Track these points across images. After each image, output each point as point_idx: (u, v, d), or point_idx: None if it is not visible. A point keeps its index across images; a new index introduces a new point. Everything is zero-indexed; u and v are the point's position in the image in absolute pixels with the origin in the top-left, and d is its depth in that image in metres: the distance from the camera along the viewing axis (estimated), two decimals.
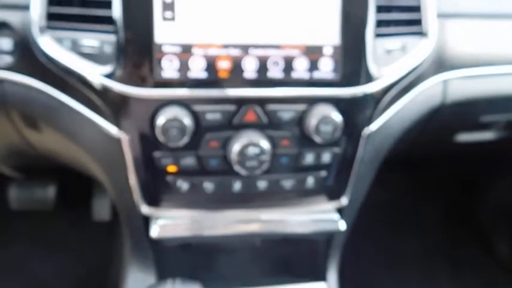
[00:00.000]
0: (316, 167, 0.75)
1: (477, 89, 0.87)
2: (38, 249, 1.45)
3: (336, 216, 0.83)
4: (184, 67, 0.67)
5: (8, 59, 0.69)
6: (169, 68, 0.66)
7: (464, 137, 1.06)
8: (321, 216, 0.83)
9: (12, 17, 0.68)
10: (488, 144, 1.12)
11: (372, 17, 0.70)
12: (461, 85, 0.84)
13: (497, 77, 0.87)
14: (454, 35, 0.82)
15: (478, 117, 0.98)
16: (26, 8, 0.67)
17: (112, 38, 0.66)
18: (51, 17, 0.67)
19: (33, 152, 0.90)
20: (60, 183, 1.46)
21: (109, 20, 0.66)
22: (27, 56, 0.69)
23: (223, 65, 0.67)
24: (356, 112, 0.73)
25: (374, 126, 0.76)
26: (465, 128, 1.04)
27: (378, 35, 0.72)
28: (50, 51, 0.67)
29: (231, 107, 0.69)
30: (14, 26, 0.68)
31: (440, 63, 0.81)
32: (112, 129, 0.70)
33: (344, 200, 0.81)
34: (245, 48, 0.68)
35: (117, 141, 0.70)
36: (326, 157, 0.74)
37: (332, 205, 0.82)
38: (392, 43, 0.73)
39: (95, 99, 0.69)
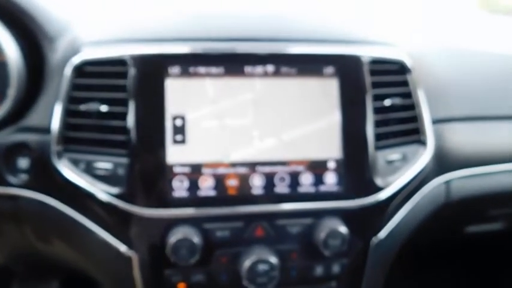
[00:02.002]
0: (326, 278, 0.75)
1: (480, 187, 0.88)
2: None
3: None
4: (194, 186, 0.69)
5: (24, 177, 0.72)
6: (179, 188, 0.69)
7: (473, 228, 1.06)
8: None
9: (31, 138, 0.72)
10: (501, 235, 1.12)
11: (370, 131, 0.74)
12: (463, 184, 0.86)
13: (499, 174, 0.89)
14: (451, 138, 0.84)
15: (485, 211, 0.98)
16: (45, 131, 0.72)
17: (125, 160, 0.69)
18: (68, 140, 0.71)
19: (39, 256, 0.90)
20: (63, 279, 1.43)
21: (123, 144, 0.69)
22: (43, 175, 0.71)
23: (232, 183, 0.70)
24: (363, 222, 0.74)
25: (382, 234, 0.76)
26: (473, 221, 1.04)
27: (378, 148, 0.75)
28: (66, 173, 0.69)
29: (240, 224, 0.70)
30: (32, 147, 0.72)
31: (441, 166, 0.83)
32: (122, 247, 0.70)
33: None
34: (252, 166, 0.70)
35: (127, 260, 0.71)
36: (335, 268, 0.74)
37: None
38: (393, 154, 0.76)
39: (107, 219, 0.70)
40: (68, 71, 0.71)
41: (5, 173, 0.72)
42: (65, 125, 0.71)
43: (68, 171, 0.69)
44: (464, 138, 0.86)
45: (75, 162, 0.70)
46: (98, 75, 0.71)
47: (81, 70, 0.71)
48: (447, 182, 0.85)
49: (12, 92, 0.72)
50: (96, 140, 0.70)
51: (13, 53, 0.72)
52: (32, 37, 0.75)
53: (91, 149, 0.70)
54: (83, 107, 0.70)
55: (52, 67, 0.74)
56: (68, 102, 0.71)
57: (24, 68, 0.74)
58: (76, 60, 0.71)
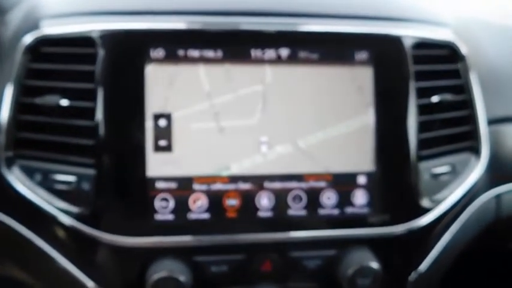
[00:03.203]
0: None
1: None
2: None
3: None
4: (182, 207, 0.54)
5: None
6: (163, 209, 0.54)
7: None
8: None
9: None
10: None
11: (413, 136, 0.58)
12: None
13: None
14: (507, 143, 0.69)
15: None
16: None
17: (91, 172, 0.54)
18: (20, 143, 0.55)
19: None
20: None
21: (89, 151, 0.54)
22: None
23: (232, 203, 0.55)
24: (400, 255, 0.59)
25: (422, 267, 0.61)
26: None
27: (422, 158, 0.59)
28: (18, 186, 0.54)
29: (242, 256, 0.56)
30: None
31: (494, 177, 0.67)
32: (89, 283, 0.55)
33: None
34: (259, 181, 0.55)
35: None
36: None
37: None
38: (440, 165, 0.60)
39: (71, 246, 0.55)
40: (20, 52, 0.55)
41: None
42: (17, 123, 0.55)
43: (19, 184, 0.54)
44: None
45: (29, 172, 0.55)
46: (58, 59, 0.55)
47: (36, 51, 0.55)
48: (498, 196, 0.69)
49: None
50: (56, 143, 0.55)
51: None
52: None
53: (49, 155, 0.55)
54: (38, 100, 0.54)
55: (5, 46, 0.58)
56: (20, 93, 0.55)
57: None
58: (29, 38, 0.55)
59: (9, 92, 0.55)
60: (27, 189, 0.54)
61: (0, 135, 0.55)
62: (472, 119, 0.63)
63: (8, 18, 0.59)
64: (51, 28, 0.55)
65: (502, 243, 0.90)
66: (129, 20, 0.55)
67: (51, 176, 0.55)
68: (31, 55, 0.55)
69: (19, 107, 0.55)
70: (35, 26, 0.56)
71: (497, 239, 0.87)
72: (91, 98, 0.54)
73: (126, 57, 0.54)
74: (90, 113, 0.54)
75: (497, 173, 0.67)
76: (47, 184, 0.55)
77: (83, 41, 0.55)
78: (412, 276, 0.60)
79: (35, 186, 0.54)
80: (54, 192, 0.54)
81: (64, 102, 0.54)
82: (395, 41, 0.58)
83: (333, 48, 0.57)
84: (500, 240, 0.89)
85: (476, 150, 0.63)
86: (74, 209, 0.54)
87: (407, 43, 0.59)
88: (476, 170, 0.63)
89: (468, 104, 0.63)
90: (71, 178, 0.54)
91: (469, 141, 0.63)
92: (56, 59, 0.55)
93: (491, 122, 0.67)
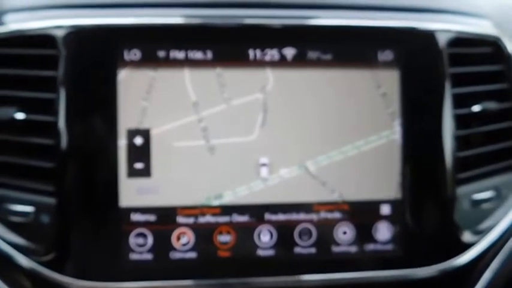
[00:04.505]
0: None
1: None
2: None
3: None
4: (163, 245, 0.46)
5: None
6: (140, 248, 0.45)
7: None
8: None
9: None
10: None
11: (449, 155, 0.48)
12: None
13: None
14: None
15: None
16: None
17: (52, 201, 0.45)
18: None
19: None
20: None
21: (49, 175, 0.45)
22: None
23: (224, 240, 0.46)
24: None
25: None
26: None
27: (460, 181, 0.49)
28: None
29: None
30: None
31: None
32: None
33: None
34: (258, 212, 0.47)
35: None
36: None
37: None
38: (482, 191, 0.50)
39: None
40: None
41: None
42: None
43: None
44: None
45: None
46: (13, 62, 0.46)
47: None
48: None
49: None
50: (10, 166, 0.46)
51: None
52: None
53: (2, 180, 0.46)
54: None
55: None
56: None
57: None
58: None
59: None
60: None
61: None
62: None
63: None
64: (5, 26, 0.46)
65: None
66: (98, 14, 0.46)
67: (5, 205, 0.46)
68: None
69: None
70: None
71: None
72: (52, 111, 0.45)
73: (94, 59, 0.45)
74: (51, 128, 0.45)
75: None
76: (0, 215, 0.46)
77: (43, 40, 0.45)
78: None
79: None
80: (8, 226, 0.46)
81: (19, 115, 0.45)
82: (426, 37, 0.49)
83: (349, 47, 0.47)
84: None
85: None
86: (32, 246, 0.45)
87: (442, 39, 0.49)
88: None
89: None
90: (28, 208, 0.46)
91: None
92: (10, 63, 0.46)
93: None
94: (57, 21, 0.46)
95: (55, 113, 0.45)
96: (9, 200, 0.46)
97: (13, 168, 0.47)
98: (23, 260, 0.45)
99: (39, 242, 0.45)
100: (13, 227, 0.46)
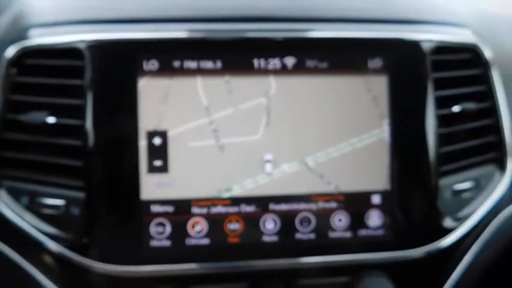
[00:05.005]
0: None
1: None
2: None
3: None
4: (179, 233, 0.50)
5: None
6: (159, 235, 0.50)
7: None
8: None
9: None
10: None
11: (433, 150, 0.53)
12: None
13: None
14: None
15: None
16: None
17: (81, 195, 0.50)
18: (5, 163, 0.51)
19: None
20: None
21: (78, 172, 0.50)
22: None
23: (234, 227, 0.51)
24: (419, 280, 0.54)
25: None
26: None
27: (443, 173, 0.54)
28: (3, 209, 0.50)
29: (245, 285, 0.51)
30: None
31: None
32: None
33: None
34: (263, 203, 0.51)
35: None
36: None
37: None
38: (462, 181, 0.55)
39: (60, 274, 0.51)
40: (4, 64, 0.51)
41: None
42: (1, 142, 0.51)
43: (5, 207, 0.50)
44: None
45: (15, 195, 0.51)
46: (44, 72, 0.51)
47: (21, 64, 0.51)
48: None
49: None
50: (43, 164, 0.51)
51: None
52: None
53: (36, 176, 0.51)
54: (24, 117, 0.50)
55: None
56: (4, 109, 0.51)
57: None
58: (13, 50, 0.50)
59: None
60: (14, 214, 0.50)
61: None
62: (496, 128, 0.58)
63: None
64: (36, 39, 0.51)
65: None
66: (119, 29, 0.50)
67: (38, 199, 0.51)
68: (15, 68, 0.51)
69: (4, 123, 0.51)
70: (19, 37, 0.52)
71: None
72: (79, 115, 0.50)
73: (116, 69, 0.50)
74: (79, 131, 0.50)
75: None
76: (34, 208, 0.51)
77: (70, 52, 0.50)
78: None
79: (21, 210, 0.50)
80: (41, 217, 0.50)
81: (51, 119, 0.50)
82: (412, 46, 0.53)
83: (343, 56, 0.52)
84: None
85: (501, 163, 0.58)
86: (62, 235, 0.50)
87: (426, 48, 0.54)
88: (502, 184, 0.58)
89: (492, 112, 0.58)
90: (59, 202, 0.50)
91: (493, 153, 0.58)
92: (42, 72, 0.51)
93: None
94: (83, 36, 0.50)
95: (82, 117, 0.50)
96: (43, 195, 0.50)
97: (45, 166, 0.51)
98: (54, 247, 0.50)
99: (69, 231, 0.50)
100: (46, 219, 0.50)
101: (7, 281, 0.56)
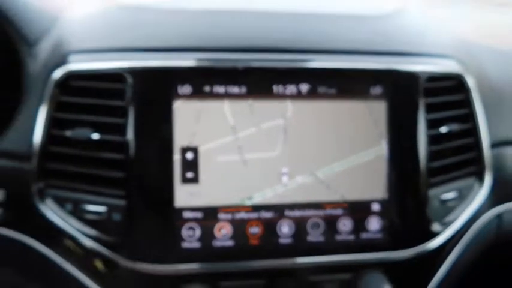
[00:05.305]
0: None
1: None
2: None
3: None
4: (208, 236, 0.57)
5: None
6: (190, 238, 0.56)
7: None
8: None
9: (6, 166, 0.58)
10: None
11: (424, 165, 0.61)
12: None
13: None
14: (508, 165, 0.72)
15: None
16: (23, 157, 0.57)
17: (121, 203, 0.56)
18: (51, 173, 0.57)
19: None
20: None
21: (119, 183, 0.56)
22: (21, 212, 0.58)
23: (254, 231, 0.58)
24: (411, 276, 0.62)
25: (430, 287, 0.65)
26: None
27: (431, 185, 0.62)
28: (51, 216, 0.56)
29: (264, 281, 0.59)
30: (8, 177, 0.58)
31: (495, 198, 0.71)
32: None
33: None
34: (280, 210, 0.58)
35: None
36: None
37: None
38: (448, 192, 0.64)
39: (101, 273, 0.57)
40: (50, 86, 0.57)
41: None
42: (47, 155, 0.57)
43: (52, 213, 0.56)
44: None
45: (60, 202, 0.57)
46: (87, 93, 0.57)
47: (66, 85, 0.57)
48: (499, 215, 0.73)
49: None
50: (86, 175, 0.57)
51: None
52: (6, 40, 0.60)
53: (79, 186, 0.57)
54: (69, 133, 0.56)
55: (32, 78, 0.59)
56: (50, 125, 0.57)
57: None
58: (59, 73, 0.57)
59: (40, 124, 0.57)
60: (59, 219, 0.56)
61: (32, 166, 0.57)
62: (476, 146, 0.66)
63: (35, 51, 0.60)
64: (81, 64, 0.57)
65: (503, 256, 0.94)
66: (157, 57, 0.57)
67: (81, 206, 0.57)
68: (61, 89, 0.57)
69: (50, 138, 0.57)
70: (63, 61, 0.58)
71: (498, 253, 0.90)
72: (121, 132, 0.56)
73: (154, 93, 0.56)
74: (120, 147, 0.56)
75: (499, 193, 0.70)
76: (78, 214, 0.57)
77: (113, 77, 0.56)
78: None
79: (66, 215, 0.57)
80: (84, 222, 0.56)
81: (95, 135, 0.56)
82: (407, 76, 0.61)
83: (349, 84, 0.59)
84: (501, 254, 0.93)
85: (480, 176, 0.67)
86: (104, 237, 0.56)
87: (419, 77, 0.62)
88: (480, 194, 0.66)
89: (473, 132, 0.66)
90: (101, 208, 0.56)
91: (473, 167, 0.67)
92: (85, 93, 0.57)
93: (494, 145, 0.69)
94: (125, 63, 0.56)
95: (124, 133, 0.56)
96: (85, 202, 0.56)
97: (88, 177, 0.57)
98: (96, 246, 0.56)
99: (110, 234, 0.56)
100: (88, 223, 0.56)
101: (51, 282, 0.62)
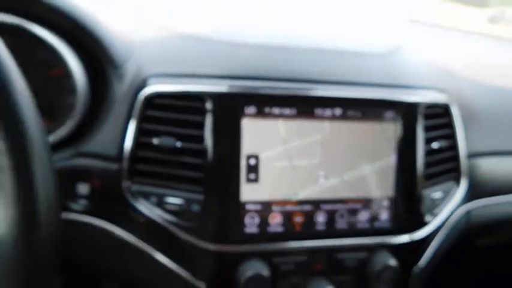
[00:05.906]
0: None
1: (497, 214, 0.96)
2: None
3: None
4: (264, 223, 0.73)
5: (84, 203, 0.71)
6: (251, 225, 0.72)
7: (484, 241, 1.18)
8: None
9: (92, 165, 0.71)
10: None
11: (421, 172, 0.80)
12: (482, 212, 0.94)
13: None
14: (478, 172, 0.91)
15: (499, 232, 1.09)
16: (107, 159, 0.71)
17: (199, 197, 0.70)
18: (136, 172, 0.71)
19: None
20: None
21: (197, 181, 0.70)
22: (106, 203, 0.71)
23: (298, 220, 0.74)
24: (409, 255, 0.81)
25: (422, 263, 0.83)
26: (492, 237, 1.16)
27: (425, 187, 0.81)
28: (140, 207, 0.70)
29: (304, 258, 0.75)
30: (94, 174, 0.71)
31: (468, 198, 0.90)
32: (192, 279, 0.73)
33: None
34: (317, 204, 0.75)
35: None
36: None
37: None
38: (436, 192, 0.83)
39: (178, 252, 0.72)
40: (139, 102, 0.70)
41: (64, 197, 0.72)
42: (135, 158, 0.71)
43: (140, 204, 0.70)
44: (490, 171, 0.93)
45: (146, 196, 0.71)
46: (170, 109, 0.71)
47: (151, 102, 0.71)
48: (469, 211, 0.93)
49: (76, 114, 0.72)
50: (169, 174, 0.71)
51: (80, 77, 0.71)
52: (97, 62, 0.73)
53: (163, 183, 0.71)
54: (156, 141, 0.70)
55: (117, 94, 0.73)
56: (138, 134, 0.71)
57: (89, 92, 0.73)
58: (147, 91, 0.70)
59: (130, 133, 0.70)
60: (146, 209, 0.70)
61: (123, 166, 0.70)
62: (456, 157, 0.86)
63: (121, 72, 0.73)
64: (164, 85, 0.71)
65: (471, 243, 1.16)
66: (228, 84, 0.71)
67: (164, 199, 0.71)
68: (147, 104, 0.71)
69: (138, 145, 0.71)
70: (147, 83, 0.72)
71: (467, 240, 1.12)
72: (199, 141, 0.70)
73: (227, 112, 0.70)
74: (198, 153, 0.70)
75: (472, 194, 0.90)
76: (161, 205, 0.71)
77: (195, 98, 0.71)
78: (415, 270, 0.83)
79: (151, 206, 0.71)
80: (168, 212, 0.71)
81: (179, 144, 0.70)
82: (413, 105, 0.79)
83: (370, 109, 0.76)
84: (470, 241, 1.14)
85: (458, 180, 0.87)
86: (184, 224, 0.70)
87: (421, 106, 0.80)
88: (458, 195, 0.87)
89: (454, 147, 0.86)
90: (179, 201, 0.70)
91: (454, 174, 0.87)
92: (167, 109, 0.71)
93: (469, 156, 0.89)
94: (204, 88, 0.71)
95: (202, 142, 0.70)
96: (168, 196, 0.71)
97: (171, 176, 0.71)
98: (178, 232, 0.70)
99: (190, 222, 0.70)
100: (171, 213, 0.71)
101: (136, 266, 0.75)
